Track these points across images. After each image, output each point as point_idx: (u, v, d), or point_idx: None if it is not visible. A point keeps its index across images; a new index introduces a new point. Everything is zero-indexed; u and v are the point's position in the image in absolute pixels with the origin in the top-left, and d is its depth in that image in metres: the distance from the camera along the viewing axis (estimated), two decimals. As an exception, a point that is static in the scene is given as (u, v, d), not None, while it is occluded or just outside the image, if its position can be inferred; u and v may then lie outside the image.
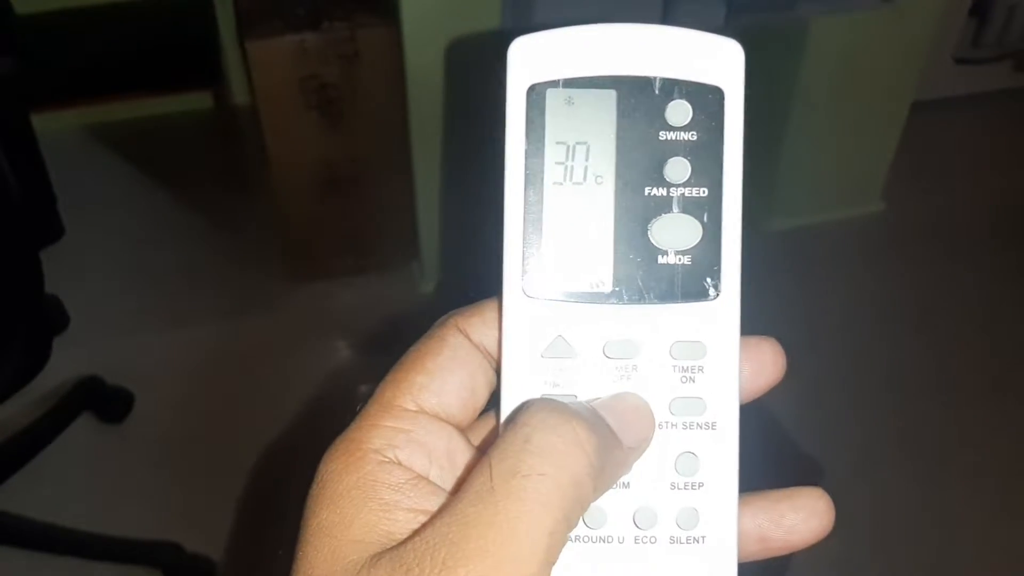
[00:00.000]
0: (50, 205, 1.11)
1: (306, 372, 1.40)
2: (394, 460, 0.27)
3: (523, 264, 0.29)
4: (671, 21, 0.29)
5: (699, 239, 0.28)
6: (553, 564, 0.24)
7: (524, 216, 0.29)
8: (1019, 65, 1.88)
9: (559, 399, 0.27)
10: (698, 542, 0.28)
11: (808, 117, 1.53)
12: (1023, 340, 1.52)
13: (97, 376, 1.37)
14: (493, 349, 0.29)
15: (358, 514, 0.26)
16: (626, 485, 0.28)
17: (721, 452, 0.28)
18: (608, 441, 0.26)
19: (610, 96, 0.28)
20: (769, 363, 0.30)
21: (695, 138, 0.28)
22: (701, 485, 0.28)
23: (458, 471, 0.28)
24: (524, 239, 0.29)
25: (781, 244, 1.59)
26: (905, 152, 1.63)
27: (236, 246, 1.61)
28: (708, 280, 0.29)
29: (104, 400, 1.37)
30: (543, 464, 0.24)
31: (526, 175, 0.29)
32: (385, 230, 1.52)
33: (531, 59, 0.29)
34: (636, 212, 0.29)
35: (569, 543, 0.26)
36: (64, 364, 1.14)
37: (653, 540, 0.28)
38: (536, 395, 0.28)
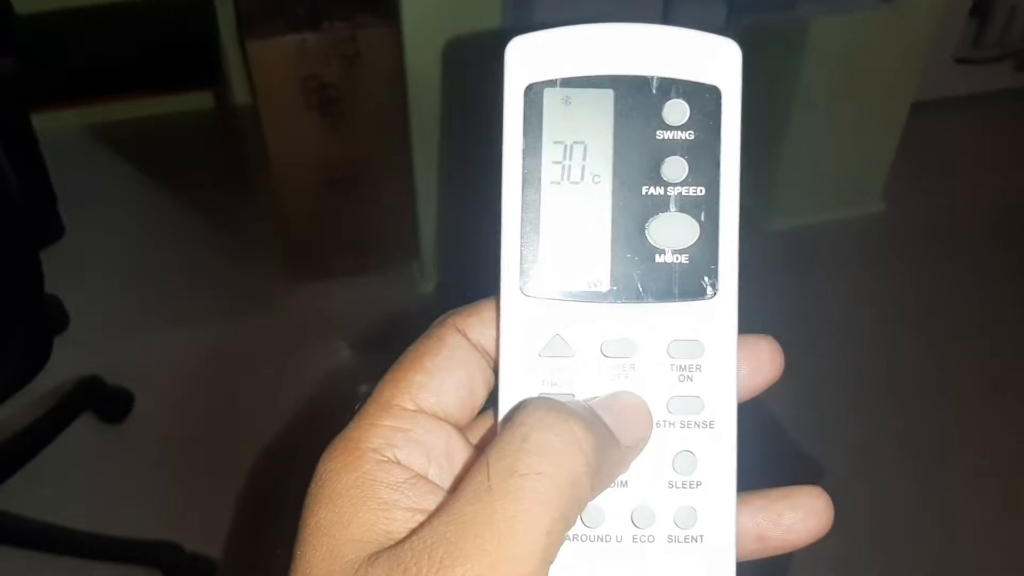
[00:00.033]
0: (50, 205, 1.11)
1: (306, 372, 1.40)
2: (393, 459, 0.27)
3: (521, 263, 0.29)
4: (672, 21, 0.29)
5: (696, 238, 0.28)
6: (551, 563, 0.24)
7: (522, 215, 0.29)
8: (1020, 65, 1.88)
9: (557, 398, 0.27)
10: (696, 541, 0.28)
11: (808, 117, 1.53)
12: (1023, 340, 1.52)
13: (97, 376, 1.37)
14: (491, 348, 0.29)
15: (356, 513, 0.26)
16: (624, 484, 0.28)
17: (719, 451, 0.28)
18: (606, 440, 0.27)
19: (607, 95, 0.28)
20: (767, 361, 0.30)
21: (692, 137, 0.28)
22: (699, 484, 0.28)
23: (457, 470, 0.28)
24: (522, 238, 0.29)
25: (781, 244, 1.59)
26: (905, 152, 1.63)
27: (236, 246, 1.61)
28: (705, 279, 0.29)
29: (104, 400, 1.37)
30: (540, 463, 0.24)
31: (523, 174, 0.29)
32: (385, 230, 1.52)
33: (528, 59, 0.29)
34: (633, 211, 0.29)
35: (567, 542, 0.26)
36: (64, 364, 1.14)
37: (651, 539, 0.28)
38: (534, 394, 0.28)
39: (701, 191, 0.29)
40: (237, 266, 1.58)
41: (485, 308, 0.30)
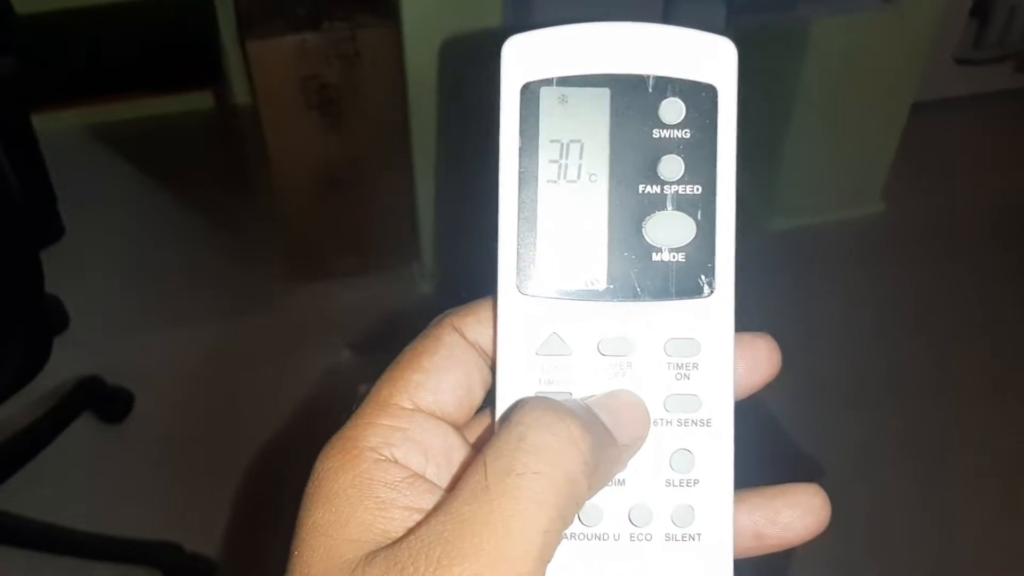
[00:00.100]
0: (50, 205, 1.11)
1: (306, 372, 1.40)
2: (390, 458, 0.27)
3: (517, 262, 0.29)
4: (672, 22, 0.29)
5: (693, 236, 0.28)
6: (548, 562, 0.24)
7: (518, 214, 0.29)
8: (1020, 66, 1.88)
9: (554, 396, 0.27)
10: (694, 539, 0.28)
11: (808, 117, 1.53)
12: (1023, 340, 1.52)
13: (97, 376, 1.37)
14: (489, 347, 0.29)
15: (354, 512, 0.26)
16: (621, 482, 0.28)
17: (716, 449, 0.28)
18: (603, 438, 0.26)
19: (604, 94, 0.28)
20: (764, 359, 0.30)
21: (688, 136, 0.28)
22: (696, 482, 0.28)
23: (454, 469, 0.28)
24: (518, 237, 0.29)
25: (781, 244, 1.59)
26: (905, 152, 1.63)
27: (236, 246, 1.61)
28: (702, 277, 0.29)
29: (104, 400, 1.37)
30: (537, 462, 0.24)
31: (520, 173, 0.29)
32: (385, 230, 1.52)
33: (525, 57, 0.29)
34: (630, 210, 0.29)
35: (564, 541, 0.26)
36: (64, 364, 1.15)
37: (648, 537, 0.28)
38: (531, 393, 0.28)
39: (697, 189, 0.28)
40: (237, 266, 1.58)
41: (482, 307, 0.30)
